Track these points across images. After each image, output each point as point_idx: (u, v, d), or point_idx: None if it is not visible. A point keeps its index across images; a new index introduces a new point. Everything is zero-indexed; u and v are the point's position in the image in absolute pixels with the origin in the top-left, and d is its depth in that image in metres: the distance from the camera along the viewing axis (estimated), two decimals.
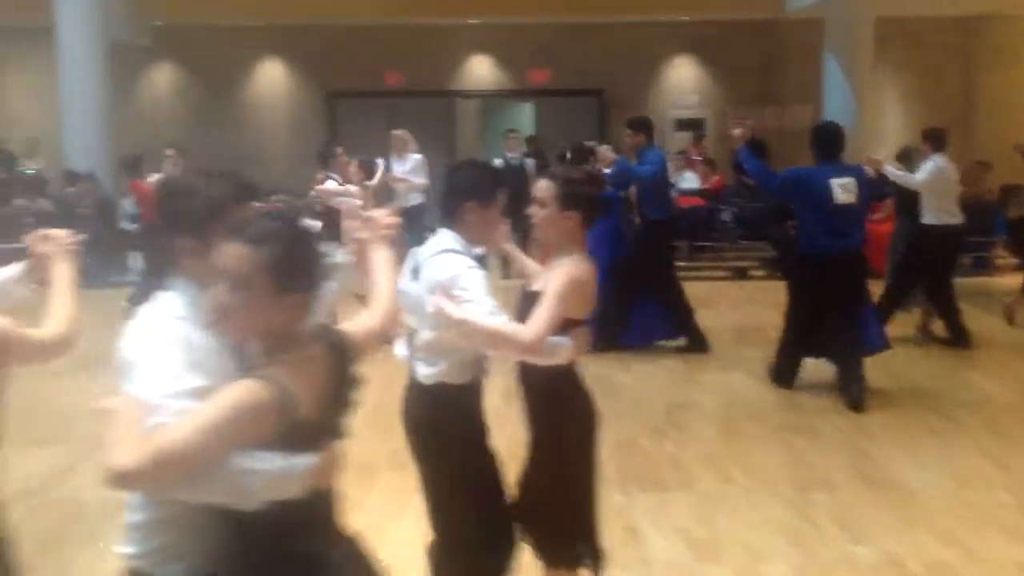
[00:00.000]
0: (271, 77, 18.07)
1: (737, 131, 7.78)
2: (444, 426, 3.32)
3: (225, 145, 17.08)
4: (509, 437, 3.63)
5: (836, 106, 14.92)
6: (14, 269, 2.99)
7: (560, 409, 3.38)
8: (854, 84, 15.34)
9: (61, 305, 2.78)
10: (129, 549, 2.24)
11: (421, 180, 12.28)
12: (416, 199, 12.33)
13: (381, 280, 2.77)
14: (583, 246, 3.41)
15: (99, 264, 12.36)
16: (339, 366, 2.22)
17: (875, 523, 5.03)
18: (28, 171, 14.64)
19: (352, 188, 9.88)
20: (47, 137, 14.67)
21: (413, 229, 12.56)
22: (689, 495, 5.44)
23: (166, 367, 2.06)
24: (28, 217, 13.37)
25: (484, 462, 3.41)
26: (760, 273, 13.15)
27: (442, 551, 3.45)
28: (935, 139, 8.96)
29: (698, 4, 16.62)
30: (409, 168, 12.19)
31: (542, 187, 3.40)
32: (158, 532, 2.20)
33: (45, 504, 5.27)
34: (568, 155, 10.28)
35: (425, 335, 3.27)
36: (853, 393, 7.07)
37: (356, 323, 2.50)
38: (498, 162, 13.45)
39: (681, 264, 13.56)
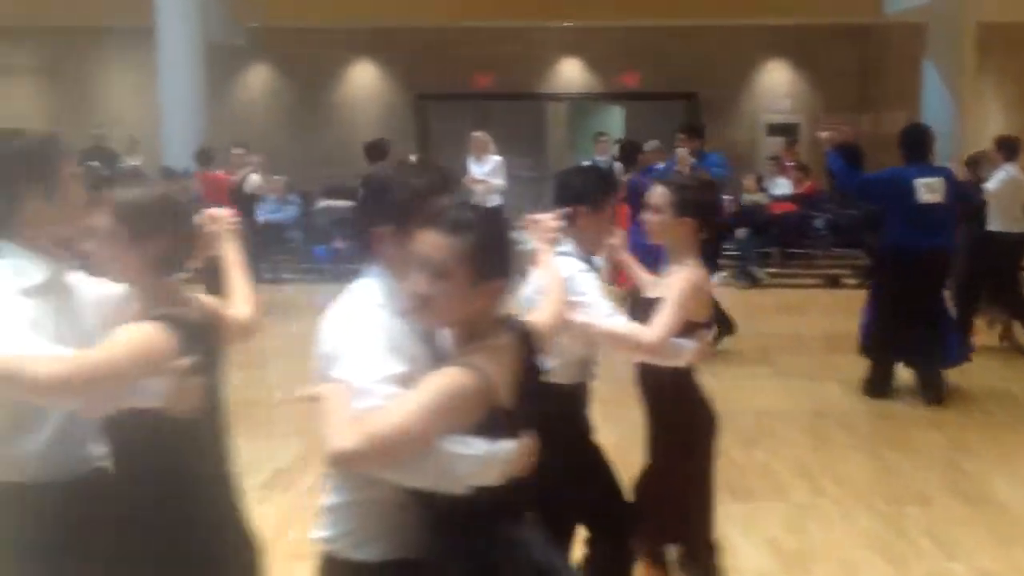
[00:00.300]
0: (362, 79, 18.29)
1: (824, 134, 7.79)
2: (551, 424, 3.34)
3: (316, 145, 17.33)
4: (620, 438, 3.63)
5: (935, 113, 14.55)
6: None
7: (681, 411, 3.45)
8: (954, 90, 14.96)
9: (241, 285, 2.81)
10: (323, 533, 2.28)
11: (499, 182, 12.33)
12: (494, 200, 12.37)
13: (547, 279, 2.85)
14: (697, 252, 3.44)
15: None
16: (527, 356, 2.23)
17: (970, 539, 4.89)
18: (127, 167, 14.99)
19: None
20: (147, 135, 15.03)
21: None
22: (780, 505, 5.35)
23: (371, 353, 2.10)
24: None
25: (589, 458, 3.43)
26: (853, 281, 12.89)
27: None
28: (1008, 148, 8.88)
29: (794, 7, 16.37)
30: (488, 170, 12.25)
31: (657, 193, 3.43)
32: (353, 515, 2.24)
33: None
34: (618, 153, 10.34)
35: None
36: (931, 393, 7.18)
37: (534, 317, 2.52)
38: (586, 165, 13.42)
39: (772, 271, 13.43)
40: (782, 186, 14.42)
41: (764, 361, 8.66)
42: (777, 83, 18.14)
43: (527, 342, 2.25)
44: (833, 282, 13.12)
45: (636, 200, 6.18)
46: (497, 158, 12.39)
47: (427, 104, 18.06)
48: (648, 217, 3.44)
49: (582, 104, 18.77)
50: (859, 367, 7.66)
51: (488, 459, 2.04)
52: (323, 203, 15.14)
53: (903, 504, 5.36)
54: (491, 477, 2.06)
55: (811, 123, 17.57)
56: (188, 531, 2.39)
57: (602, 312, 3.11)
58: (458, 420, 2.03)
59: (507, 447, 2.07)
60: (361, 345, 2.12)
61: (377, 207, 2.28)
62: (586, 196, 3.33)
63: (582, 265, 3.23)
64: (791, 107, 18.10)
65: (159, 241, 2.35)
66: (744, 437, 6.48)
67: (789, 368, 8.44)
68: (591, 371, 3.40)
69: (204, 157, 11.98)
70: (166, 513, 2.37)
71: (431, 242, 2.09)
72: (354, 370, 2.08)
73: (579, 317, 3.02)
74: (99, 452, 2.44)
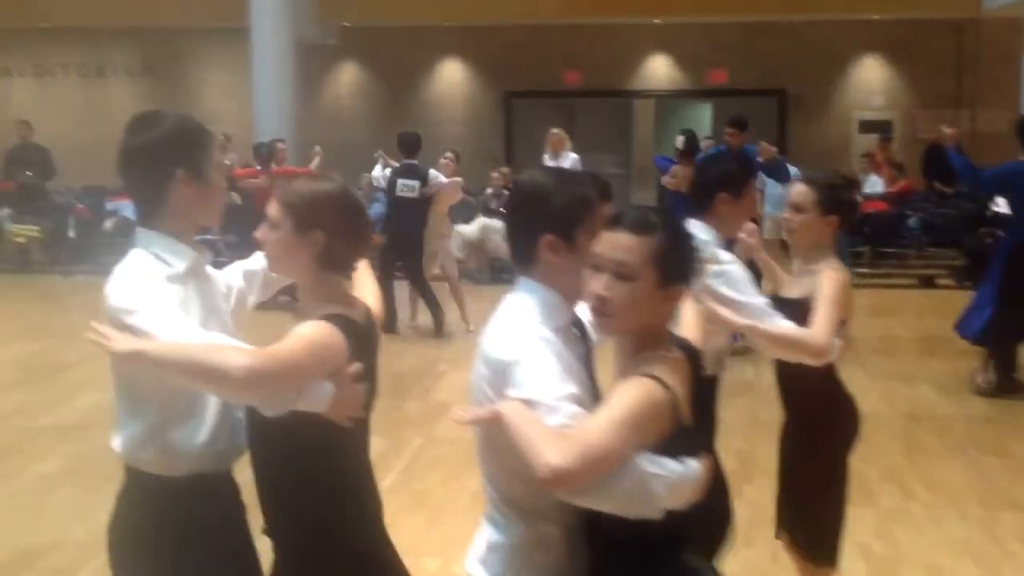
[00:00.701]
0: (450, 76, 18.39)
1: (949, 131, 7.75)
2: None
3: None
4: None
5: None
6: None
7: (829, 410, 3.43)
8: None
9: (369, 281, 2.69)
10: (484, 571, 2.15)
11: None
12: None
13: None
14: (836, 249, 3.44)
15: None
16: (695, 371, 2.08)
17: None
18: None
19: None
20: (240, 133, 15.31)
21: None
22: (871, 510, 5.23)
23: (548, 370, 1.96)
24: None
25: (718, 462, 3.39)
26: (948, 282, 12.57)
27: None
28: None
29: (888, 3, 16.03)
30: (566, 168, 12.21)
31: (801, 192, 3.40)
32: (519, 555, 2.09)
33: None
34: (680, 145, 10.35)
35: None
36: None
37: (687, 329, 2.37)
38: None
39: (863, 270, 13.16)
40: (875, 184, 14.11)
41: (855, 362, 8.48)
42: (871, 79, 17.77)
43: (694, 356, 2.12)
44: (927, 282, 12.80)
45: None
46: (574, 156, 12.34)
47: (514, 102, 18.09)
48: (789, 216, 3.39)
49: (669, 101, 18.62)
50: (954, 369, 7.48)
51: (681, 480, 1.90)
52: None
53: (996, 510, 5.22)
54: (681, 500, 1.91)
55: (905, 120, 17.19)
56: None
57: (760, 311, 3.04)
58: (649, 436, 1.89)
59: (695, 467, 1.93)
60: (537, 362, 1.97)
61: (538, 215, 2.13)
62: (727, 182, 3.25)
63: (728, 255, 3.15)
64: (884, 103, 17.72)
65: (326, 236, 2.25)
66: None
67: (881, 370, 8.26)
68: (724, 363, 3.29)
69: (265, 154, 11.71)
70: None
71: (618, 243, 1.98)
72: (535, 388, 1.92)
73: (741, 319, 2.97)
74: (242, 449, 2.39)
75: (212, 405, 2.32)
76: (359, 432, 2.32)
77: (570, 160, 12.27)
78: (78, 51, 18.36)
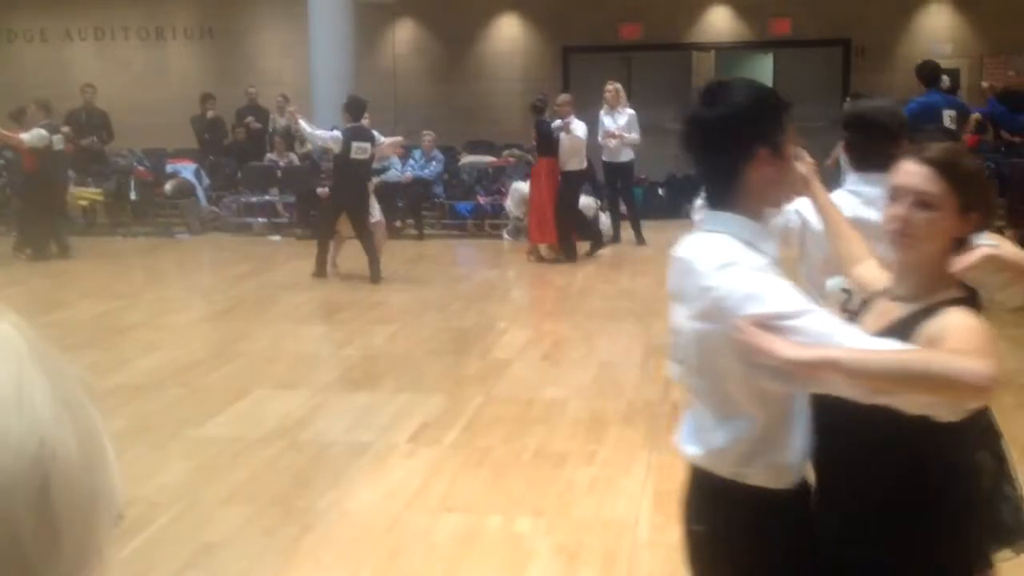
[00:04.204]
0: (507, 32, 18.25)
1: (986, 84, 7.55)
2: None
3: (461, 98, 17.40)
4: None
5: None
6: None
7: None
8: None
9: (854, 239, 2.57)
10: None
11: (634, 136, 12.12)
12: (627, 155, 12.20)
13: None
14: None
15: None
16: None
17: None
18: (279, 126, 15.36)
19: None
20: (299, 93, 15.34)
21: (624, 186, 12.47)
22: None
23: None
24: (278, 170, 14.12)
25: None
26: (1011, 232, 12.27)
27: None
28: None
29: None
30: (623, 123, 12.04)
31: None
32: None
33: (296, 443, 5.53)
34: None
35: None
36: None
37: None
38: None
39: None
40: None
41: None
42: (937, 27, 17.31)
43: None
44: (997, 232, 12.50)
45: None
46: (631, 111, 12.17)
47: (572, 56, 17.91)
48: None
49: (730, 53, 18.31)
50: None
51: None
52: (467, 158, 15.23)
53: None
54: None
55: (973, 67, 16.74)
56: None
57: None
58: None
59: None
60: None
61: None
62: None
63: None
64: (952, 52, 17.26)
65: (981, 217, 2.17)
66: None
67: None
68: None
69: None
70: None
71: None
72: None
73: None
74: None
75: (804, 410, 2.18)
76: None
77: (627, 115, 12.12)
78: (137, 14, 18.47)
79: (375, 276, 10.28)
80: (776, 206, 2.28)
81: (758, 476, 2.14)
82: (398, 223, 13.33)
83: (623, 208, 12.63)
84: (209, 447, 5.46)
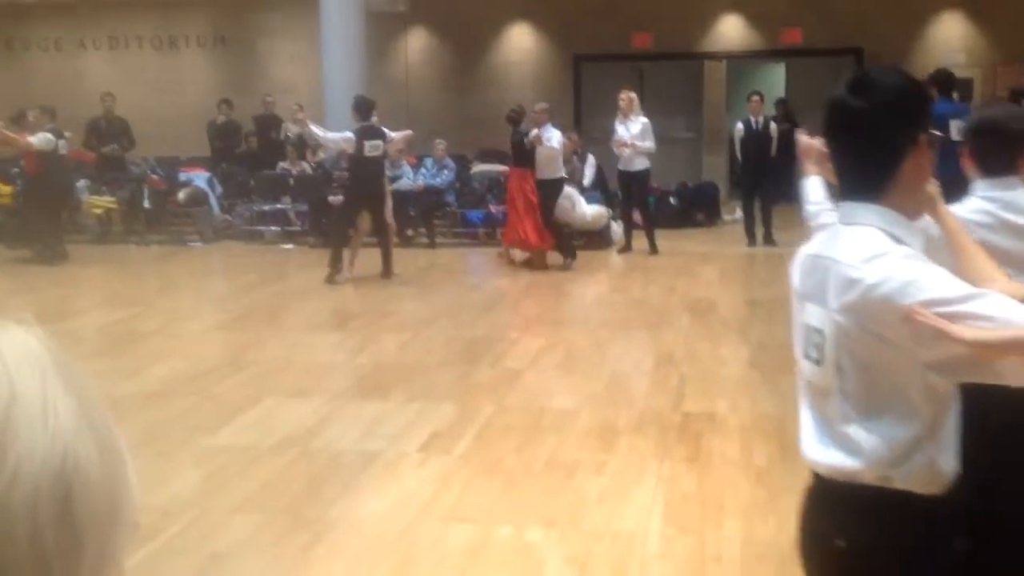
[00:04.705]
0: (519, 40, 18.29)
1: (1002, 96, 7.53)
2: None
3: (472, 106, 17.44)
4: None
5: None
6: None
7: None
8: None
9: (979, 254, 2.44)
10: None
11: (648, 144, 12.09)
12: (642, 164, 12.18)
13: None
14: None
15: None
16: None
17: None
18: (291, 135, 15.42)
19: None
20: (311, 103, 15.39)
21: (638, 195, 12.46)
22: None
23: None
24: (291, 179, 14.16)
25: None
26: None
27: None
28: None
29: None
30: (636, 132, 12.03)
31: None
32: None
33: (307, 452, 5.54)
34: (777, 112, 10.08)
35: None
36: None
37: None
38: (740, 127, 13.11)
39: None
40: None
41: None
42: (950, 36, 17.27)
43: None
44: None
45: None
46: (644, 119, 12.16)
47: (583, 65, 17.93)
48: None
49: (741, 62, 18.31)
50: None
51: None
52: (478, 167, 15.24)
53: None
54: None
55: (987, 77, 16.69)
56: None
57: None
58: None
59: None
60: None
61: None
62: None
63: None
64: (965, 61, 17.22)
65: None
66: None
67: None
68: None
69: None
70: None
71: None
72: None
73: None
74: None
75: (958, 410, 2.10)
76: None
77: (641, 124, 12.10)
78: (151, 23, 18.58)
79: (387, 271, 10.54)
80: (921, 202, 2.21)
81: (909, 480, 2.03)
82: (410, 231, 13.36)
83: (636, 216, 12.63)
84: (220, 455, 5.47)
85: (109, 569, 0.70)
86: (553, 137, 11.39)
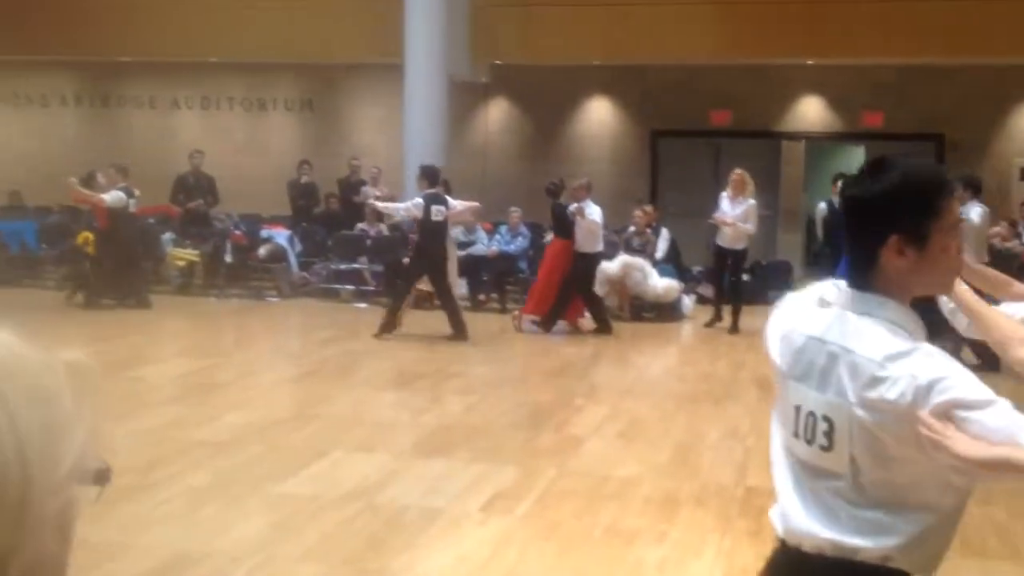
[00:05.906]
0: (598, 114, 18.51)
1: None
2: None
3: (549, 177, 17.54)
4: None
5: None
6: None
7: None
8: None
9: (1003, 320, 2.45)
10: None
11: (749, 227, 12.04)
12: (742, 244, 12.15)
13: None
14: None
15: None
16: None
17: None
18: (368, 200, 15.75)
19: None
20: (392, 166, 15.72)
21: (734, 272, 12.43)
22: (1015, 567, 5.04)
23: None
24: (368, 240, 14.44)
25: None
26: None
27: None
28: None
29: None
30: (739, 212, 11.98)
31: None
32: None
33: (371, 506, 5.63)
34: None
35: None
36: None
37: None
38: (823, 207, 13.08)
39: None
40: None
41: None
42: None
43: None
44: None
45: None
46: (752, 201, 12.12)
47: (661, 140, 18.07)
48: None
49: (820, 143, 18.32)
50: None
51: None
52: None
53: None
54: None
55: None
56: None
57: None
58: None
59: None
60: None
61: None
62: None
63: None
64: None
65: None
66: (982, 493, 6.13)
67: None
68: None
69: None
70: None
71: None
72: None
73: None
74: None
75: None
76: None
77: (747, 205, 12.00)
78: (242, 85, 19.18)
79: (459, 333, 10.81)
80: (925, 293, 2.18)
81: (911, 562, 2.06)
82: (482, 296, 13.51)
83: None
84: (287, 505, 5.58)
85: (35, 527, 0.72)
86: (595, 212, 11.64)
